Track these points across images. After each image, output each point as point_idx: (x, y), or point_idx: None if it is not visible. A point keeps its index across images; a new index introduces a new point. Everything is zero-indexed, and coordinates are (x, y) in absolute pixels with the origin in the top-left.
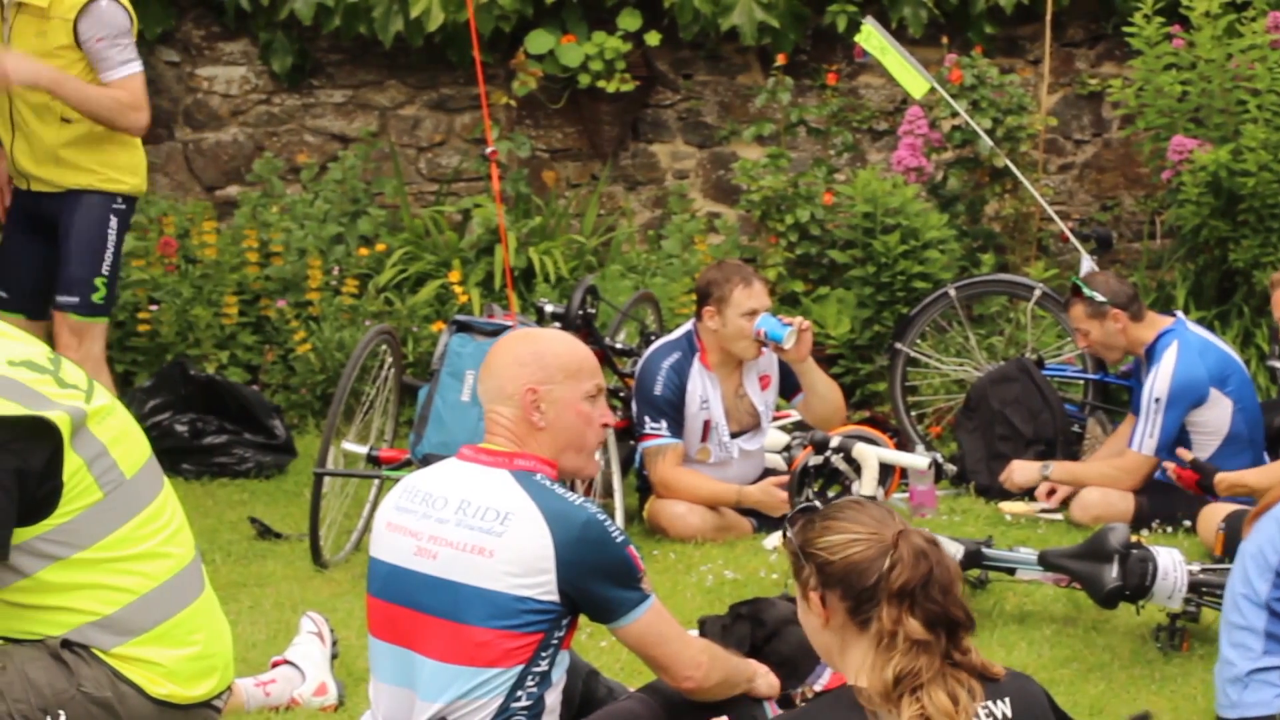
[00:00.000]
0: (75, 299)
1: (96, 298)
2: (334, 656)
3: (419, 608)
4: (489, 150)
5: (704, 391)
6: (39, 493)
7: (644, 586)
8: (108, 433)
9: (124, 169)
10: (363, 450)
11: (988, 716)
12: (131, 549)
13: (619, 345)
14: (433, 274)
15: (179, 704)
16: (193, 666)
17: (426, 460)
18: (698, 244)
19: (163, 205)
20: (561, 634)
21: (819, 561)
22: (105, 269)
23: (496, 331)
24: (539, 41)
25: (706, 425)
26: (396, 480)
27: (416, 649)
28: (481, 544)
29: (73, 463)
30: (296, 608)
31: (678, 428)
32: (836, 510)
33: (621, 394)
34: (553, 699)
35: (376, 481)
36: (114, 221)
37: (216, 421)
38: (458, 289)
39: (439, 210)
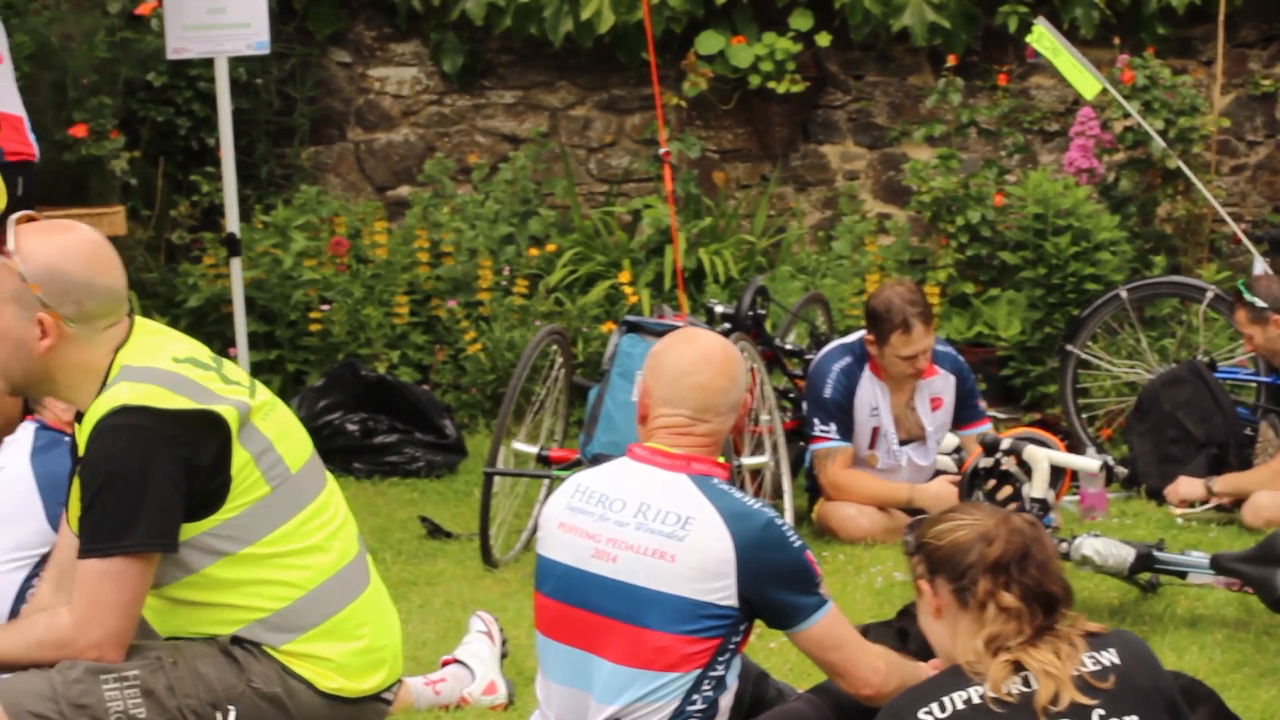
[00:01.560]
0: None
1: None
2: (503, 656)
3: (597, 610)
4: (663, 151)
5: (874, 399)
6: (208, 488)
7: (822, 591)
8: (273, 428)
9: None
10: (533, 450)
11: (1094, 664)
12: (298, 544)
13: (789, 346)
14: (603, 274)
15: (349, 698)
16: (361, 660)
17: (596, 460)
18: (868, 245)
19: (334, 205)
20: (739, 639)
21: (927, 549)
22: None
23: (666, 332)
24: (709, 42)
25: (875, 432)
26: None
27: (594, 651)
28: (663, 548)
29: (240, 457)
30: (466, 607)
31: (847, 431)
32: (950, 508)
33: (791, 395)
34: (726, 702)
35: (546, 481)
36: None
37: (387, 421)
38: (628, 289)
39: (609, 211)
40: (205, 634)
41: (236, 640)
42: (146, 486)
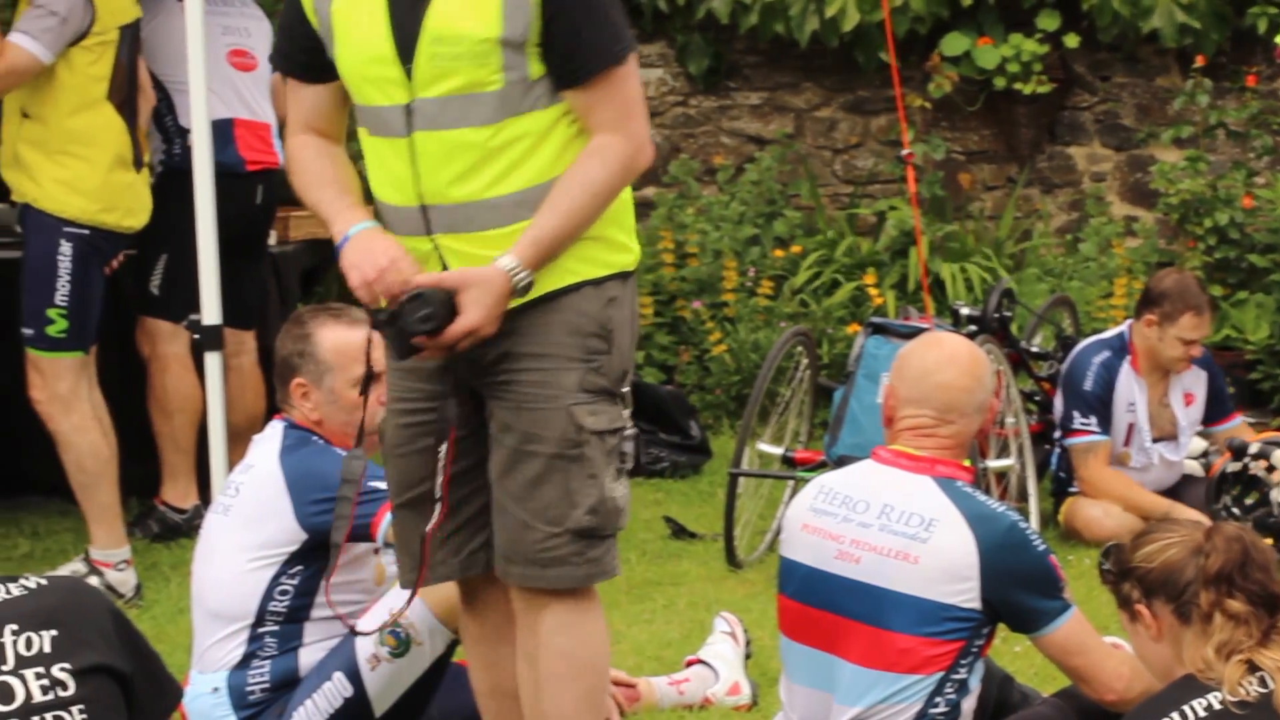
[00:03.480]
0: (30, 331)
1: (53, 331)
2: (748, 657)
3: (840, 611)
4: (905, 153)
5: (1131, 394)
6: None
7: (1065, 596)
8: None
9: (67, 186)
10: (778, 451)
11: None
12: None
13: (1034, 349)
14: (848, 276)
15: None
16: None
17: (841, 462)
18: (1115, 248)
19: None
20: (981, 642)
21: (1139, 574)
22: (60, 299)
23: (912, 334)
24: (955, 44)
25: (1130, 428)
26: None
27: (836, 652)
28: (907, 550)
29: None
30: (710, 607)
31: (1107, 425)
32: (1145, 530)
33: (1037, 397)
34: (969, 705)
35: (791, 483)
36: (66, 248)
37: (632, 421)
38: (873, 291)
39: (854, 212)
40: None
41: None
42: None
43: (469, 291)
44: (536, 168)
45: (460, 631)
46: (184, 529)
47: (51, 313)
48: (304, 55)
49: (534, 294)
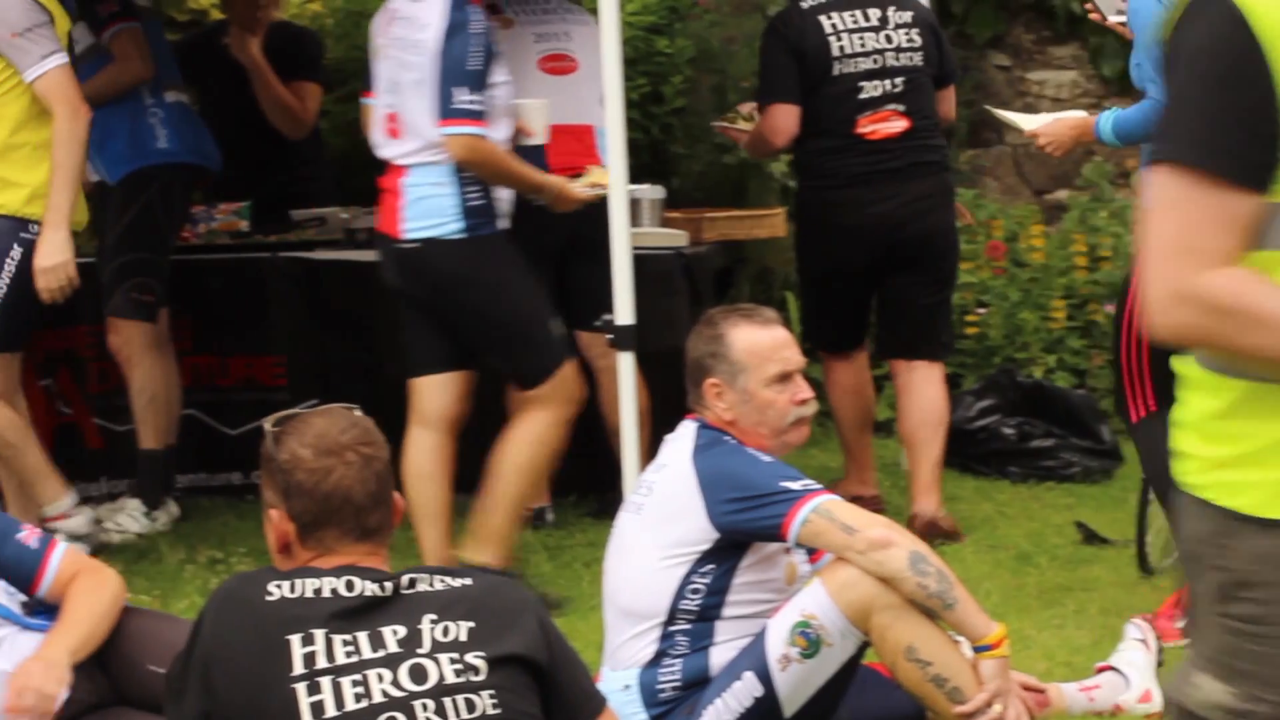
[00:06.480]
0: None
1: None
2: (1160, 664)
3: None
4: None
5: None
6: None
7: None
8: None
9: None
10: None
11: None
12: None
13: None
14: None
15: None
16: None
17: None
18: None
19: (991, 209)
20: None
21: None
22: None
23: None
24: None
25: None
26: None
27: None
28: None
29: None
30: (1122, 614)
31: None
32: None
33: None
34: None
35: None
36: (16, 251)
37: (1044, 425)
38: None
39: None
40: None
41: None
42: None
43: None
44: None
45: None
46: (531, 524)
47: None
48: (1268, 154)
49: None
